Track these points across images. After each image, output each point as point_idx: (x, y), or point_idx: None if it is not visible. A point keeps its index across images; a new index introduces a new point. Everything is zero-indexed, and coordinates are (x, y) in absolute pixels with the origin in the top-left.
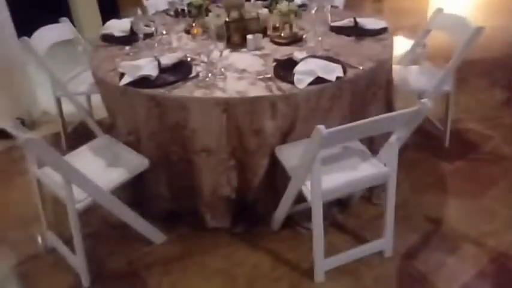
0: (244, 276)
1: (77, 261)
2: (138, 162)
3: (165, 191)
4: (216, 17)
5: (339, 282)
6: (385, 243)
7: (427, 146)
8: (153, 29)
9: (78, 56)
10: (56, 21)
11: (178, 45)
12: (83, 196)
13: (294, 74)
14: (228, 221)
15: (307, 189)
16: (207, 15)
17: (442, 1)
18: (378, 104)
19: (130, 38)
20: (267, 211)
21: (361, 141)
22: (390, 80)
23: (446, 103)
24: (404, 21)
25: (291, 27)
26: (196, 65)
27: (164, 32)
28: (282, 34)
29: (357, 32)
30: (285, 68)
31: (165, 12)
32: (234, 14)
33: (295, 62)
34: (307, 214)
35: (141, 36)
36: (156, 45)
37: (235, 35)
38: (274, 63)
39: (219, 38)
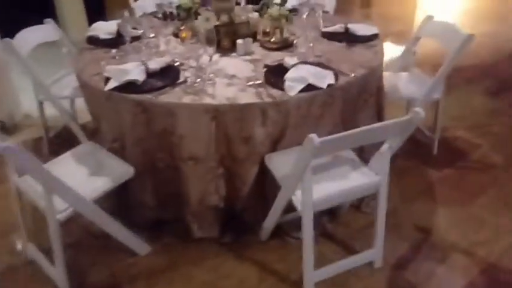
0: None
1: (57, 273)
2: (122, 171)
3: (151, 199)
4: (206, 21)
5: None
6: (375, 253)
7: (416, 154)
8: (141, 31)
9: (62, 58)
10: (40, 22)
11: (166, 49)
12: (64, 206)
13: (284, 81)
14: (216, 231)
15: (297, 199)
16: (196, 18)
17: (429, 7)
18: (369, 111)
19: (116, 41)
20: (255, 220)
21: (351, 149)
22: (381, 87)
23: (436, 111)
24: (392, 27)
25: (281, 32)
26: (185, 69)
27: (152, 35)
28: (273, 39)
29: (348, 38)
30: (275, 74)
31: (153, 14)
32: (224, 18)
33: (285, 68)
34: (296, 223)
35: (128, 39)
36: (143, 48)
37: (225, 39)
38: (265, 69)
39: (208, 42)
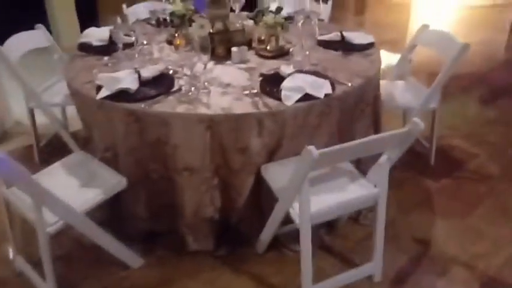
0: None
1: (47, 287)
2: (115, 182)
3: (144, 211)
4: (200, 28)
5: None
6: (374, 267)
7: (412, 164)
8: (134, 38)
9: (54, 65)
10: (32, 27)
11: (159, 56)
12: (55, 219)
13: (281, 90)
14: (211, 244)
15: (295, 212)
16: (190, 25)
17: (423, 16)
18: (365, 120)
19: (109, 48)
20: (251, 232)
21: (349, 161)
22: (378, 97)
23: (432, 120)
24: (386, 34)
25: (277, 40)
26: (179, 78)
27: (145, 42)
28: (268, 47)
29: (345, 46)
30: (271, 83)
31: (146, 21)
32: (219, 25)
33: (282, 77)
34: (293, 235)
35: (120, 46)
36: (136, 55)
37: (220, 47)
38: (260, 78)
39: (202, 49)
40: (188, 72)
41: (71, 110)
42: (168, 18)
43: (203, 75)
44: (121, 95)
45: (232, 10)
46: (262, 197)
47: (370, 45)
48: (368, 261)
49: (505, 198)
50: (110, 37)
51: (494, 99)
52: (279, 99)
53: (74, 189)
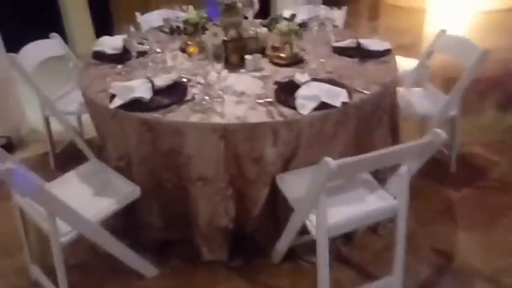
0: None
1: None
2: (128, 191)
3: (158, 220)
4: (213, 36)
5: None
6: (394, 280)
7: (431, 172)
8: (147, 47)
9: (69, 72)
10: (48, 35)
11: (173, 65)
12: (68, 229)
13: (296, 99)
14: (225, 254)
15: (311, 223)
16: (203, 33)
17: (437, 21)
18: (383, 129)
19: (122, 56)
20: (267, 242)
21: None
22: (395, 105)
23: (452, 127)
24: (401, 40)
25: (291, 47)
26: (192, 86)
27: (158, 50)
28: (282, 54)
29: (360, 53)
30: (286, 92)
31: (160, 29)
32: (232, 33)
33: (296, 85)
34: (309, 246)
35: (134, 54)
36: (149, 64)
37: (233, 55)
38: (275, 86)
39: (216, 57)
40: (202, 81)
41: (86, 117)
42: (181, 25)
43: (217, 84)
44: (134, 104)
45: (245, 17)
46: (278, 206)
47: (386, 52)
48: (387, 274)
49: None
50: (124, 45)
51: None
52: (294, 108)
53: (88, 198)
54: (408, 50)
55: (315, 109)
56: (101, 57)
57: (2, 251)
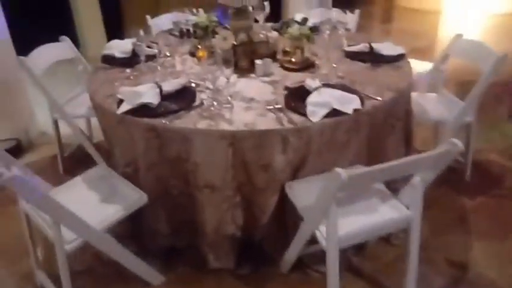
0: None
1: None
2: (135, 198)
3: (165, 227)
4: (223, 40)
5: None
6: None
7: (446, 180)
8: (156, 50)
9: (79, 75)
10: (60, 37)
11: (182, 69)
12: (73, 237)
13: (306, 105)
14: (233, 262)
15: (321, 234)
16: (213, 37)
17: (452, 24)
18: (396, 136)
19: (131, 60)
20: (275, 250)
21: None
22: (409, 111)
23: (467, 134)
24: (414, 43)
25: (302, 51)
26: (201, 91)
27: (168, 54)
28: (293, 59)
29: (373, 58)
30: (296, 98)
31: (169, 32)
32: (242, 37)
33: (307, 91)
34: (319, 256)
35: (142, 58)
36: (158, 68)
37: (243, 59)
38: (285, 92)
39: (225, 62)
40: (210, 86)
41: (95, 121)
42: (191, 29)
43: (226, 89)
44: (142, 110)
45: (256, 21)
46: (287, 214)
47: (400, 57)
48: (400, 286)
49: None
50: (133, 49)
51: None
52: (305, 114)
53: (94, 205)
54: (422, 54)
55: (326, 116)
56: (110, 61)
57: (9, 255)
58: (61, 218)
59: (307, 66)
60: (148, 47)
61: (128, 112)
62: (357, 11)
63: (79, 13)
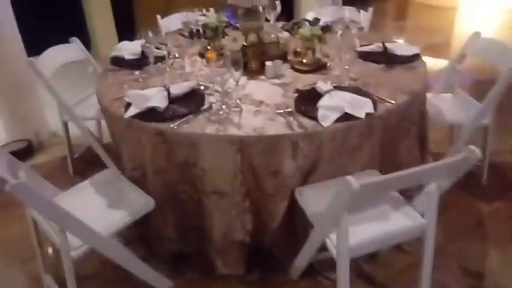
0: None
1: None
2: (142, 203)
3: (172, 232)
4: (233, 41)
5: None
6: None
7: (461, 184)
8: (165, 52)
9: (90, 77)
10: (72, 36)
11: (191, 71)
12: (79, 243)
13: (317, 109)
14: (242, 268)
15: (331, 243)
16: (223, 37)
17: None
18: (411, 140)
19: (140, 62)
20: (285, 256)
21: None
22: (424, 113)
23: (484, 136)
24: (429, 40)
25: (313, 52)
26: (210, 94)
27: (177, 55)
28: (304, 60)
29: (387, 58)
30: (307, 101)
31: (179, 32)
32: (252, 38)
33: (318, 94)
34: (329, 262)
35: (151, 60)
36: (167, 69)
37: (253, 61)
38: (296, 94)
39: (235, 64)
40: (219, 89)
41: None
42: (201, 29)
43: (235, 92)
44: (149, 114)
45: (267, 20)
46: (297, 219)
47: (415, 57)
48: None
49: None
50: (142, 51)
51: None
52: (315, 119)
53: (100, 210)
54: (438, 51)
55: (338, 120)
56: (119, 62)
57: (17, 257)
58: (67, 224)
59: (318, 67)
60: (157, 48)
61: (135, 116)
62: (370, 9)
63: (91, 14)
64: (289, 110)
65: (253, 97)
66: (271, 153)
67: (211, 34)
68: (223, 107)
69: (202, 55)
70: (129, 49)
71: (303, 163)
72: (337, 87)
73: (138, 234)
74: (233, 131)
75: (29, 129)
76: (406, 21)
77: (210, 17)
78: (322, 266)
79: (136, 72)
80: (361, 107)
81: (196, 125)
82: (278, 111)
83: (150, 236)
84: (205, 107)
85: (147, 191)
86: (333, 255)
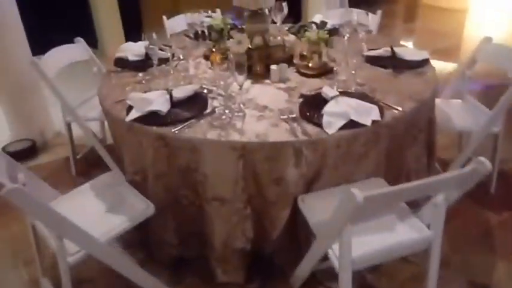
0: None
1: None
2: (142, 208)
3: (172, 237)
4: (238, 44)
5: None
6: None
7: (469, 192)
8: (169, 54)
9: (95, 77)
10: (79, 36)
11: (195, 73)
12: (77, 248)
13: (322, 115)
14: (242, 276)
15: (334, 254)
16: (228, 39)
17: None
18: (418, 147)
19: (144, 64)
20: (286, 264)
21: None
22: (432, 120)
23: (494, 144)
24: (439, 43)
25: (320, 56)
26: (213, 98)
27: (181, 57)
28: (310, 64)
29: (395, 63)
30: (312, 107)
31: (184, 33)
32: (258, 40)
33: (324, 99)
34: (331, 272)
35: (155, 62)
36: (171, 71)
37: (258, 64)
38: (300, 99)
39: (238, 67)
40: (223, 93)
41: None
42: (206, 31)
43: (239, 96)
44: (151, 117)
45: (273, 22)
46: (299, 227)
47: (424, 62)
48: None
49: None
50: (146, 52)
51: None
52: (320, 125)
53: (99, 215)
54: (447, 54)
55: (343, 128)
56: (123, 63)
57: (16, 260)
58: (63, 230)
59: (325, 71)
60: (161, 49)
61: (136, 119)
62: (379, 12)
63: (98, 13)
64: (294, 115)
65: (257, 102)
66: (274, 160)
67: (216, 36)
68: (226, 111)
69: (206, 57)
70: (133, 50)
71: (306, 171)
72: (343, 93)
73: (138, 238)
74: (235, 136)
75: (34, 128)
76: (415, 23)
77: (215, 18)
78: (324, 275)
79: (140, 74)
80: (367, 114)
81: (198, 130)
82: (282, 116)
83: (150, 241)
84: (208, 111)
85: (147, 195)
86: (335, 268)
